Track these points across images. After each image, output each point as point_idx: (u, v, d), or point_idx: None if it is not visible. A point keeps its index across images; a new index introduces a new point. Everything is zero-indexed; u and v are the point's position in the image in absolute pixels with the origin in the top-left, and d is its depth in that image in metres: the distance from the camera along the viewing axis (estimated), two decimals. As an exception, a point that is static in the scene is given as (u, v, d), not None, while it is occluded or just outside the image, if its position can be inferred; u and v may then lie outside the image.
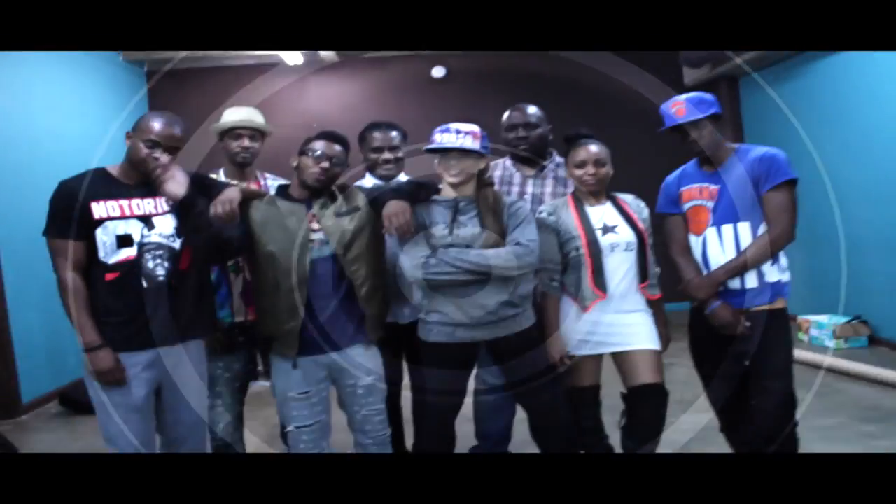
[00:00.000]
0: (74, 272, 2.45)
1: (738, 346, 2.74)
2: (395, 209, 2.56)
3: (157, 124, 2.48)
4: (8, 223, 5.07)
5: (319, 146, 2.65)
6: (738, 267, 2.70)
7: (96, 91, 6.73)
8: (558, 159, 3.31)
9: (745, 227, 2.71)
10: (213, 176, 3.07)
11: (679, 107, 2.72)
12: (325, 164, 2.63)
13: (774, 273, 2.72)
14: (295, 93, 7.74)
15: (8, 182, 5.26)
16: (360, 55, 7.66)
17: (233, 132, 3.16)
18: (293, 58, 7.40)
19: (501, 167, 3.34)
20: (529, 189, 3.26)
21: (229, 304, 3.01)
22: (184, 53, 7.24)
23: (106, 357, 2.43)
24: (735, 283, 2.73)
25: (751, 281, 2.72)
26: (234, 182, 3.01)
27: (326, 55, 7.49)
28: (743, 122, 7.64)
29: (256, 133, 3.20)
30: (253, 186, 3.12)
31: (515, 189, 3.27)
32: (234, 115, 3.20)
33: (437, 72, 7.84)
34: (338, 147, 2.69)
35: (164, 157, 2.49)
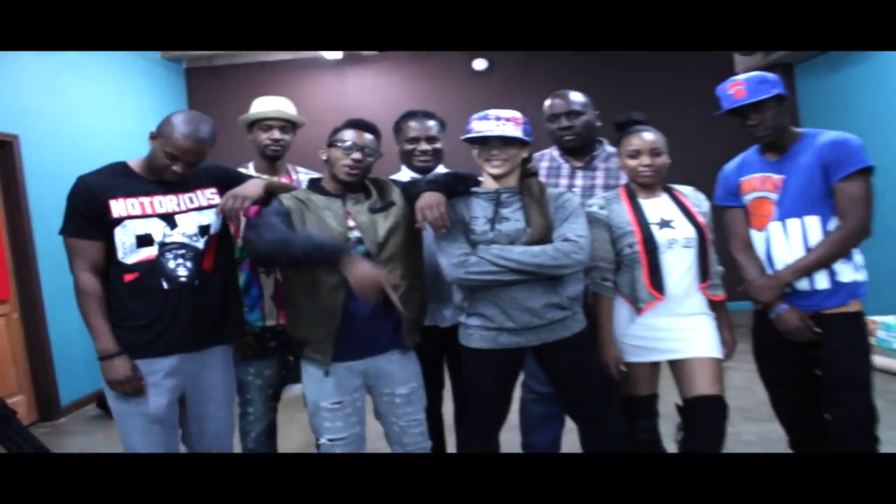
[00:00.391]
0: (92, 274, 2.31)
1: (807, 353, 2.50)
2: (428, 201, 2.37)
3: (179, 138, 2.29)
4: (46, 224, 5.05)
5: (349, 136, 2.47)
6: (808, 266, 2.46)
7: (135, 89, 6.70)
8: (609, 149, 3.09)
9: (813, 222, 2.47)
10: (242, 170, 2.92)
11: (738, 87, 2.49)
12: (357, 155, 2.45)
13: (848, 272, 2.48)
14: (334, 87, 7.62)
15: (45, 182, 5.24)
16: (399, 49, 7.45)
17: (262, 123, 3.00)
18: (332, 52, 7.30)
19: (548, 158, 3.12)
20: (579, 181, 3.04)
21: (260, 307, 2.86)
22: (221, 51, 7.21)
23: (122, 365, 2.28)
24: (803, 284, 2.50)
25: (821, 281, 2.48)
26: (264, 177, 2.85)
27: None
28: (799, 112, 7.29)
29: (287, 124, 3.04)
30: (284, 181, 2.96)
31: (564, 182, 3.04)
32: (263, 105, 3.05)
33: (479, 64, 7.62)
34: (368, 136, 2.51)
35: (181, 170, 2.34)
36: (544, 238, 2.37)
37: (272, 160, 3.01)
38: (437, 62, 7.64)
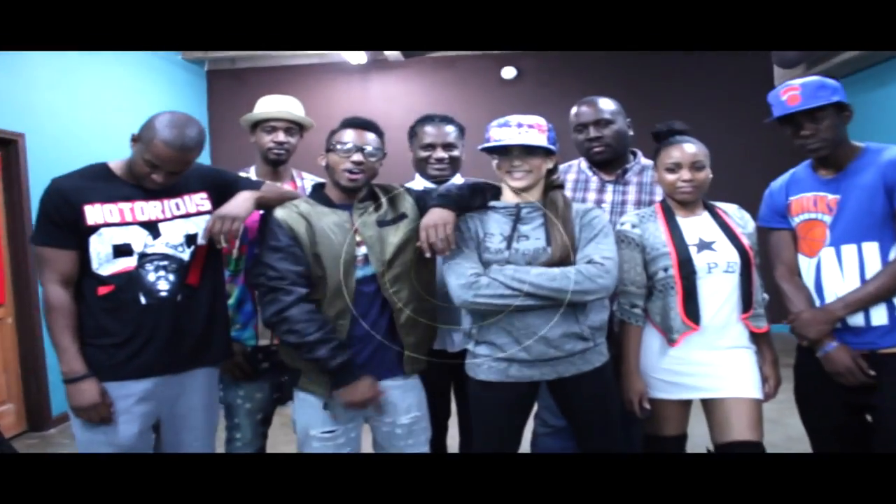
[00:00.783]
0: (62, 287, 2.08)
1: (858, 397, 2.20)
2: (433, 219, 2.13)
3: (160, 144, 2.04)
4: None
5: (348, 137, 2.24)
6: (863, 299, 2.16)
7: (153, 90, 6.55)
8: (643, 161, 2.82)
9: (872, 249, 2.18)
10: (243, 175, 2.69)
11: (793, 92, 2.20)
12: (358, 157, 2.20)
13: None
14: (357, 93, 7.43)
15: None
16: (426, 54, 7.27)
17: (266, 124, 2.76)
18: (357, 57, 7.14)
19: (575, 170, 2.85)
20: (608, 196, 2.76)
21: (253, 325, 2.61)
22: (245, 52, 7.08)
23: (89, 390, 2.05)
24: (857, 320, 2.20)
25: (879, 316, 2.18)
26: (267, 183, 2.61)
27: (391, 54, 7.18)
28: (843, 129, 6.95)
29: (294, 126, 2.80)
30: (287, 188, 2.72)
31: (592, 196, 2.77)
32: (268, 104, 2.81)
33: (508, 72, 7.39)
34: (370, 135, 2.26)
35: (162, 179, 2.10)
36: (566, 259, 2.11)
37: (275, 165, 2.78)
38: (465, 69, 7.42)
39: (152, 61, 6.53)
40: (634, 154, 2.84)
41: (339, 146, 2.22)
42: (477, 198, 2.24)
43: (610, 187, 2.77)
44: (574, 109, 2.81)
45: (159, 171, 2.07)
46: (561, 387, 2.18)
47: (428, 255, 2.14)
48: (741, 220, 2.39)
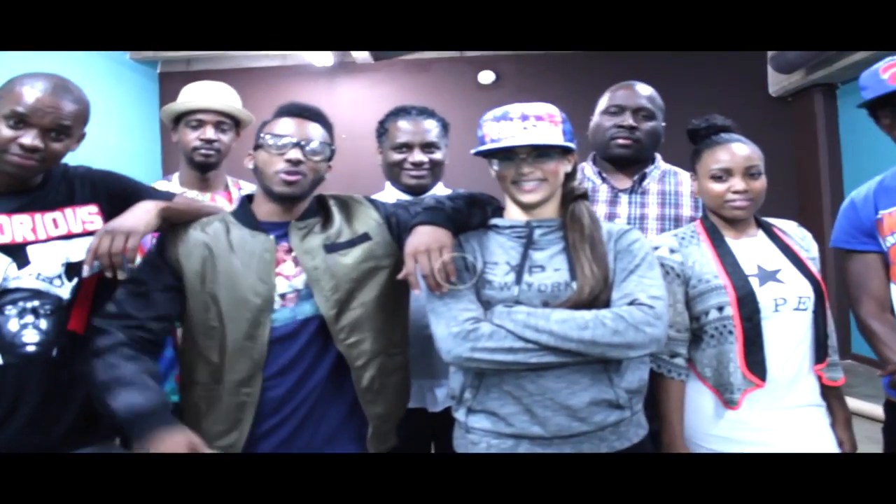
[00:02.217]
0: None
1: None
2: (425, 241, 1.54)
3: (25, 88, 1.51)
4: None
5: (283, 128, 1.68)
6: None
7: (100, 93, 5.91)
8: (664, 166, 2.29)
9: None
10: (164, 184, 2.11)
11: None
12: (296, 154, 1.63)
13: None
14: (323, 97, 6.88)
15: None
16: (397, 56, 6.75)
17: (191, 118, 2.21)
18: (322, 58, 6.68)
19: (579, 177, 2.29)
20: (622, 210, 2.22)
21: (175, 376, 2.03)
22: (201, 53, 6.68)
23: None
24: None
25: None
26: (193, 192, 2.05)
27: (359, 56, 6.69)
28: (840, 135, 6.56)
29: (226, 121, 2.23)
30: (220, 200, 2.15)
31: (602, 210, 2.23)
32: (193, 93, 2.24)
33: (486, 77, 6.91)
34: (313, 126, 1.71)
35: (32, 141, 1.51)
36: (597, 298, 1.54)
37: (203, 169, 2.23)
38: (439, 73, 6.96)
39: (97, 62, 5.94)
40: (653, 158, 2.30)
41: (271, 140, 1.66)
42: (476, 214, 1.67)
43: (624, 198, 2.24)
44: (609, 92, 2.31)
45: (28, 127, 1.51)
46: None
47: (417, 291, 1.59)
48: (804, 242, 1.88)
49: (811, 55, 5.95)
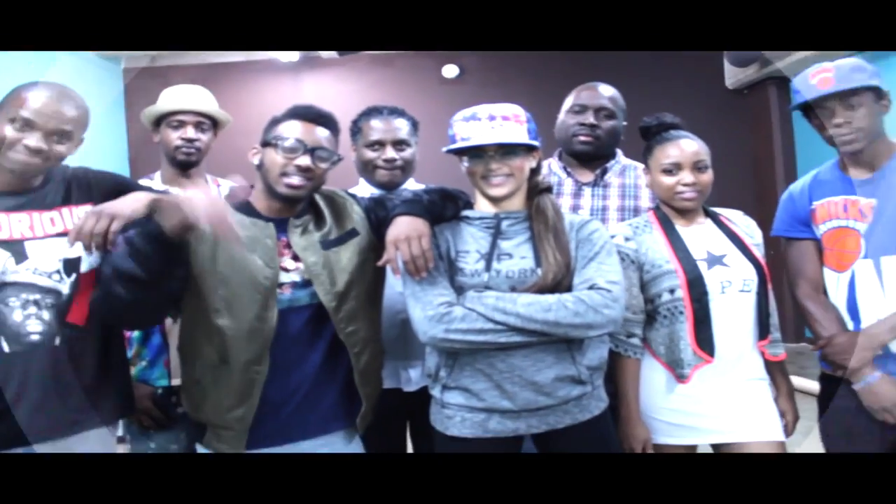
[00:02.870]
0: None
1: None
2: (406, 230, 1.67)
3: (32, 94, 1.61)
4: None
5: (294, 131, 1.74)
6: None
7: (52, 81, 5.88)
8: (624, 161, 2.44)
9: None
10: (146, 182, 2.20)
11: (825, 75, 1.87)
12: (305, 161, 1.71)
13: None
14: (289, 92, 6.90)
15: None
16: (361, 52, 6.81)
17: (172, 119, 2.30)
18: (287, 54, 6.68)
19: (545, 171, 2.44)
20: (586, 202, 2.37)
21: (164, 362, 2.15)
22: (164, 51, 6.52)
23: None
24: None
25: None
26: (174, 190, 2.14)
27: (324, 51, 6.69)
28: (794, 129, 6.77)
29: (205, 121, 2.33)
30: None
31: (567, 202, 2.37)
32: (173, 96, 2.33)
33: (450, 71, 6.99)
34: (323, 132, 1.77)
35: (36, 143, 1.61)
36: (560, 283, 1.68)
37: (185, 167, 2.31)
38: (404, 67, 7.02)
39: (61, 57, 5.81)
40: (614, 153, 2.45)
41: (280, 141, 1.72)
42: (449, 206, 1.80)
43: (587, 191, 2.38)
44: (574, 92, 2.46)
45: (33, 129, 1.61)
46: (552, 440, 1.74)
47: (398, 276, 1.71)
48: (748, 229, 2.03)
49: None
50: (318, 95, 6.98)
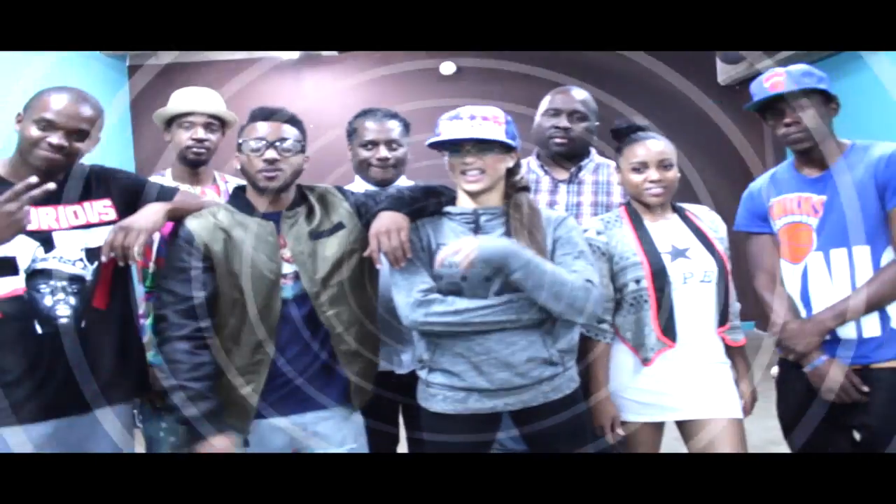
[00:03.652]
0: None
1: (847, 416, 2.03)
2: (386, 224, 1.86)
3: (52, 97, 1.80)
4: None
5: (257, 131, 1.93)
6: (855, 308, 1.98)
7: (74, 85, 5.97)
8: (598, 159, 2.61)
9: (863, 253, 2.00)
10: (158, 179, 2.37)
11: (777, 79, 2.04)
12: (271, 154, 1.90)
13: None
14: (290, 89, 7.08)
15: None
16: (361, 49, 6.94)
17: (183, 120, 2.45)
18: (288, 52, 6.82)
19: (525, 169, 2.60)
20: (561, 198, 2.53)
21: None
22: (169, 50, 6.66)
23: None
24: (848, 331, 2.02)
25: (871, 327, 2.01)
26: (185, 187, 2.32)
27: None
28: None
29: (214, 122, 2.49)
30: (210, 193, 2.42)
31: (544, 198, 2.53)
32: (184, 98, 2.50)
33: (447, 68, 7.16)
34: (284, 126, 1.96)
35: (58, 140, 1.80)
36: None
37: (195, 165, 2.46)
38: (402, 65, 7.15)
39: (68, 54, 6.00)
40: (588, 152, 2.62)
41: (248, 143, 1.93)
42: (431, 201, 1.97)
43: (563, 188, 2.55)
44: (547, 97, 2.61)
45: (56, 129, 1.79)
46: (527, 417, 1.93)
47: (379, 266, 1.89)
48: (713, 224, 2.20)
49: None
50: (318, 91, 7.14)
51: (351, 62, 7.17)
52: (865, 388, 1.98)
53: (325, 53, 6.98)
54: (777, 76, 2.03)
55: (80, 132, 1.84)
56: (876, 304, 1.97)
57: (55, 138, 1.79)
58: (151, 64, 7.14)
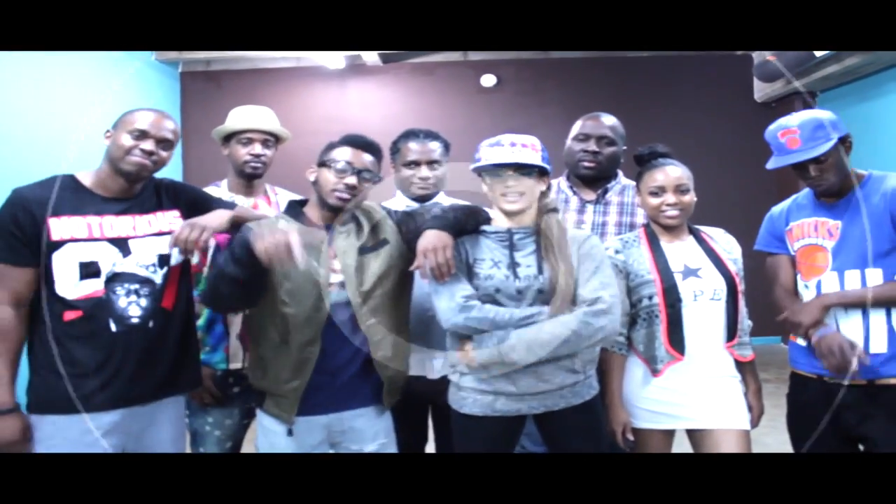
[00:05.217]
0: (12, 307, 1.95)
1: (852, 428, 2.17)
2: (434, 242, 2.03)
3: (142, 113, 2.06)
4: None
5: (344, 155, 2.13)
6: (859, 296, 2.15)
7: (126, 92, 6.36)
8: (624, 181, 2.77)
9: (875, 276, 2.16)
10: (213, 188, 2.59)
11: (791, 136, 2.19)
12: (352, 180, 2.10)
13: None
14: (334, 98, 7.33)
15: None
16: (404, 60, 7.18)
17: (241, 137, 2.65)
18: (334, 61, 7.05)
19: (555, 189, 2.78)
20: (588, 217, 2.71)
21: (224, 347, 2.52)
22: (220, 54, 6.99)
23: (11, 427, 1.93)
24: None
25: (878, 342, 2.14)
26: (239, 198, 2.53)
27: (369, 58, 7.06)
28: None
29: (270, 138, 2.69)
30: (261, 203, 2.63)
31: (572, 217, 2.71)
32: (242, 116, 2.70)
33: (487, 80, 7.33)
34: (368, 157, 2.16)
35: (151, 146, 2.05)
36: (564, 289, 2.03)
37: (251, 178, 2.67)
38: (444, 76, 7.36)
39: (124, 62, 6.34)
40: (615, 174, 2.79)
41: (334, 164, 2.12)
42: (470, 221, 2.16)
43: (590, 207, 2.72)
44: (578, 122, 2.78)
45: (147, 138, 2.04)
46: (548, 420, 2.11)
47: (425, 280, 2.07)
48: (727, 245, 2.35)
49: (791, 66, 6.37)
50: (361, 100, 7.34)
51: (394, 72, 7.36)
52: (863, 353, 2.09)
53: (369, 63, 7.18)
54: (791, 133, 2.17)
55: (167, 142, 2.09)
56: (880, 301, 2.12)
57: (148, 145, 2.03)
58: (203, 70, 7.41)
